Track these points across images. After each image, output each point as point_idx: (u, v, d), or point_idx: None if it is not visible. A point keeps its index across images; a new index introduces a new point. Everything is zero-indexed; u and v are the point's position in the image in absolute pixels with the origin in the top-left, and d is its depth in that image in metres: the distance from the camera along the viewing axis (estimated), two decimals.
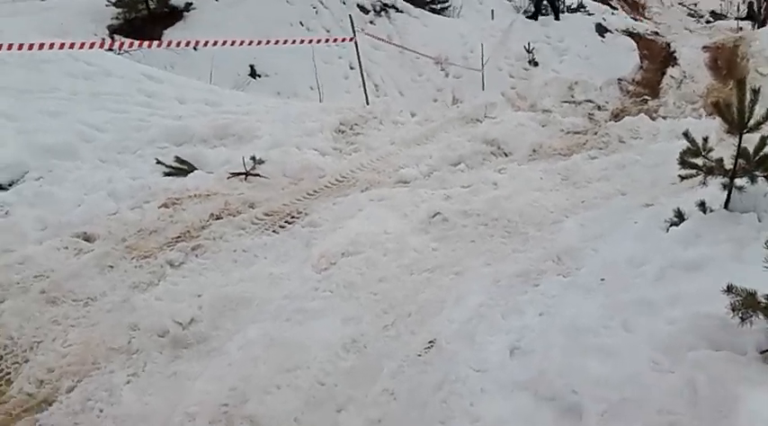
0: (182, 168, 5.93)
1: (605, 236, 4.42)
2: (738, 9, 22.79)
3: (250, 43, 8.98)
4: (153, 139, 6.31)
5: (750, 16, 21.53)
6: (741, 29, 19.01)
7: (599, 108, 12.50)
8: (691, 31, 20.56)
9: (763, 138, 3.76)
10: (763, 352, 2.71)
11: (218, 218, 5.02)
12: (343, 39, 10.81)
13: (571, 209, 5.14)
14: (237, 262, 4.45)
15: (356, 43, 9.85)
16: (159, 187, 5.55)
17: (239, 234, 4.79)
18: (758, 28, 18.35)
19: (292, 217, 5.12)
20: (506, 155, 6.98)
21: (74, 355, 3.50)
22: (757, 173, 3.77)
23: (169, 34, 11.76)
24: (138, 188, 5.50)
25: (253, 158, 5.97)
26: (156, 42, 8.89)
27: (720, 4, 25.32)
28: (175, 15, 12.44)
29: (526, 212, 5.01)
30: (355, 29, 9.95)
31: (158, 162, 5.96)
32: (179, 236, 4.74)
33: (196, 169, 5.94)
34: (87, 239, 4.66)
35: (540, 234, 4.68)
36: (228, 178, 5.83)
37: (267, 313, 3.81)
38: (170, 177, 5.80)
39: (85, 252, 4.44)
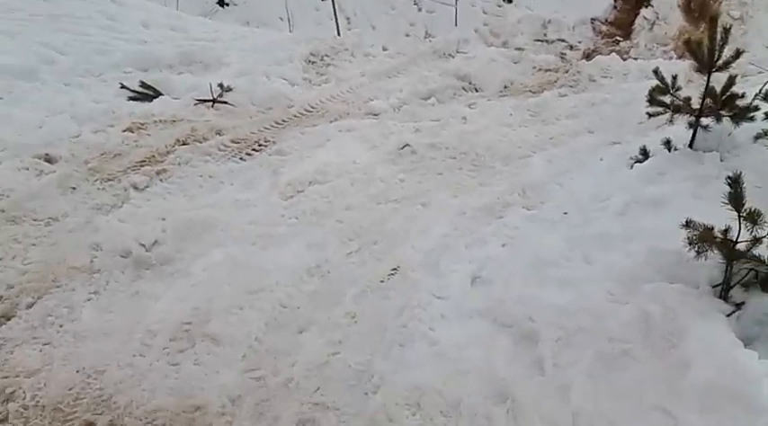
0: (147, 93, 5.80)
1: (571, 172, 4.47)
2: None
3: None
4: (117, 64, 6.14)
5: None
6: None
7: (571, 47, 12.46)
8: None
9: (730, 78, 3.79)
10: (715, 286, 2.79)
11: (183, 144, 4.95)
12: None
13: (539, 145, 5.16)
14: (203, 188, 4.42)
15: None
16: (123, 111, 5.43)
17: (205, 160, 4.74)
18: None
19: (260, 145, 5.07)
20: (477, 91, 6.94)
21: (34, 272, 3.48)
22: (723, 112, 3.81)
23: None
24: (102, 112, 5.37)
25: (220, 85, 5.86)
26: None
27: None
28: None
29: (494, 147, 5.03)
30: None
31: (122, 86, 5.82)
32: (143, 161, 4.68)
33: (162, 94, 5.81)
34: (49, 160, 4.57)
35: (507, 168, 4.71)
36: (195, 104, 5.72)
37: (232, 237, 3.82)
38: (135, 102, 5.67)
39: (47, 174, 4.37)
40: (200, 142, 4.98)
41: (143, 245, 3.68)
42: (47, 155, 4.62)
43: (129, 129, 5.12)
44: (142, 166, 4.58)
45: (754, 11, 12.33)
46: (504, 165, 4.74)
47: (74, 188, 4.27)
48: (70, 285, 3.42)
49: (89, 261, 3.58)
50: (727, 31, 3.81)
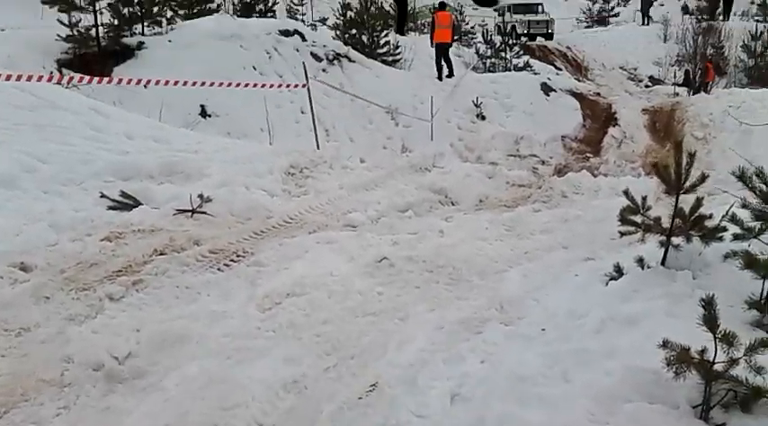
0: (126, 203, 5.85)
1: (547, 288, 4.52)
2: (675, 76, 23.95)
3: (202, 84, 9.01)
4: (98, 173, 6.21)
5: (686, 83, 22.66)
6: (678, 94, 19.95)
7: (543, 163, 12.87)
8: (631, 93, 21.49)
9: (698, 199, 3.94)
10: (695, 407, 2.78)
11: (161, 254, 4.94)
12: (296, 86, 10.92)
13: (515, 260, 5.24)
14: (179, 299, 4.37)
15: (308, 89, 9.97)
16: (102, 220, 5.45)
17: (183, 270, 4.72)
18: (693, 94, 19.28)
19: (238, 256, 5.08)
20: (453, 205, 7.12)
21: (2, 386, 3.36)
22: (692, 232, 3.93)
23: (120, 71, 11.66)
24: (81, 220, 5.39)
25: (200, 196, 5.93)
26: (106, 79, 8.82)
27: (658, 70, 26.62)
28: (127, 53, 12.37)
29: (471, 261, 5.10)
30: (308, 76, 10.08)
31: (103, 195, 5.86)
32: (120, 270, 4.64)
33: (142, 204, 5.86)
34: (24, 269, 4.51)
35: (484, 282, 4.75)
36: (174, 214, 5.77)
37: (207, 350, 3.75)
38: (114, 211, 5.70)
39: (21, 283, 4.30)
40: (178, 252, 4.98)
41: (116, 358, 3.59)
42: (22, 263, 4.57)
43: (107, 239, 5.11)
44: (118, 276, 4.54)
45: (717, 132, 12.91)
46: (480, 280, 4.79)
47: (48, 297, 4.20)
48: (39, 399, 3.30)
49: (60, 373, 3.48)
50: (692, 155, 4.00)
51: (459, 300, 4.45)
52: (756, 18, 33.56)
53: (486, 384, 3.26)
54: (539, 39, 28.92)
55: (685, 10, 40.49)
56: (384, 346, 3.80)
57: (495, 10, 37.57)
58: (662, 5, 44.64)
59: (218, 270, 4.82)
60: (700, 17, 32.98)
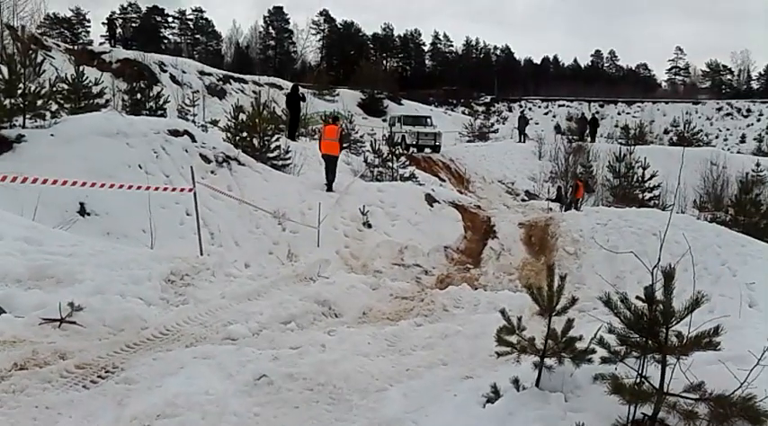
0: None
1: (426, 408, 4.52)
2: (549, 191, 25.46)
3: (83, 184, 8.72)
4: None
5: (558, 198, 24.12)
6: (551, 209, 21.14)
7: (426, 272, 13.10)
8: (508, 207, 22.59)
9: (569, 321, 4.14)
10: None
11: (22, 369, 4.59)
12: (182, 190, 10.77)
13: (396, 378, 5.23)
14: (37, 420, 4.04)
15: (195, 194, 9.85)
16: None
17: (44, 388, 4.39)
18: (565, 210, 20.50)
19: (107, 372, 4.79)
20: (337, 316, 7.09)
21: None
22: (564, 354, 4.10)
23: None
24: None
25: (70, 304, 5.62)
26: None
27: (533, 185, 28.27)
28: (4, 145, 11.79)
29: (352, 378, 5.03)
30: (195, 179, 9.99)
31: None
32: None
33: (5, 312, 5.49)
34: None
35: (365, 402, 4.69)
36: (40, 324, 5.42)
37: None
38: None
39: None
40: (41, 367, 4.64)
41: None
42: None
43: None
44: None
45: (586, 248, 13.64)
46: (361, 399, 4.72)
47: None
48: None
49: None
50: (563, 278, 4.23)
51: (338, 422, 4.36)
52: (620, 141, 36.63)
53: None
54: (426, 150, 30.03)
55: (558, 130, 43.72)
56: None
57: (383, 120, 39.23)
58: (537, 124, 48.01)
59: (84, 387, 4.52)
60: (570, 137, 35.64)
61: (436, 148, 30.41)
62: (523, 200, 26.02)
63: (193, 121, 22.41)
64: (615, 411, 3.59)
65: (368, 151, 23.13)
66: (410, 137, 29.60)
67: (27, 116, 12.77)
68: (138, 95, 23.24)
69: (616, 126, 46.30)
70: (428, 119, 33.38)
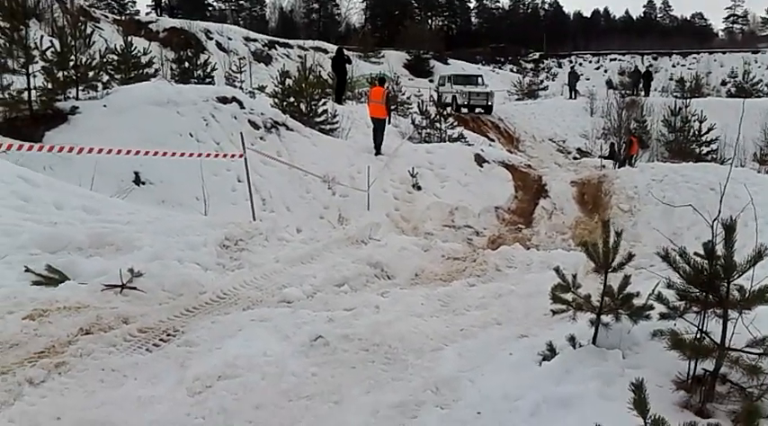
0: (52, 277, 5.64)
1: (482, 367, 4.52)
2: (601, 148, 24.93)
3: (136, 153, 8.89)
4: (24, 245, 5.99)
5: (611, 155, 23.59)
6: (604, 166, 20.73)
7: (477, 233, 13.06)
8: (560, 165, 22.22)
9: (625, 278, 4.07)
10: None
11: (87, 333, 4.74)
12: (233, 156, 10.89)
13: (450, 337, 5.24)
14: (104, 383, 4.19)
15: (245, 159, 9.95)
16: (26, 297, 5.22)
17: (109, 351, 4.54)
18: (619, 167, 20.08)
19: (168, 335, 4.93)
20: (389, 278, 7.12)
21: None
22: (621, 310, 4.04)
23: (52, 137, 11.37)
24: (2, 297, 5.14)
25: (130, 270, 5.76)
26: (36, 145, 8.61)
27: (585, 143, 27.70)
28: (59, 117, 12.07)
29: (407, 338, 5.07)
30: (245, 146, 10.08)
31: (27, 270, 5.64)
32: (42, 352, 4.43)
33: (68, 279, 5.66)
34: None
35: (420, 361, 4.72)
36: (103, 290, 5.58)
37: None
38: (39, 286, 5.48)
39: None
40: (105, 331, 4.79)
41: None
42: None
43: (30, 317, 4.89)
44: (40, 358, 4.32)
45: (642, 204, 13.40)
46: (416, 359, 4.75)
47: None
48: None
49: None
50: (619, 234, 4.14)
51: (394, 381, 4.40)
52: (675, 94, 35.55)
53: None
54: (477, 111, 29.58)
55: (609, 85, 42.62)
56: None
57: (430, 81, 38.65)
58: (588, 80, 46.87)
59: (147, 350, 4.66)
60: (623, 92, 34.72)
61: (488, 109, 29.65)
62: (575, 158, 25.56)
63: (241, 88, 22.55)
64: (675, 367, 3.54)
65: (415, 113, 22.96)
66: (461, 98, 28.76)
67: (80, 88, 13.04)
68: (186, 64, 23.44)
69: (671, 79, 44.98)
70: (479, 78, 31.91)
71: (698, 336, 3.50)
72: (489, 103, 29.63)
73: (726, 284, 3.38)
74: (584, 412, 3.30)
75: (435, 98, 24.84)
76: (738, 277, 3.39)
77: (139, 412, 3.86)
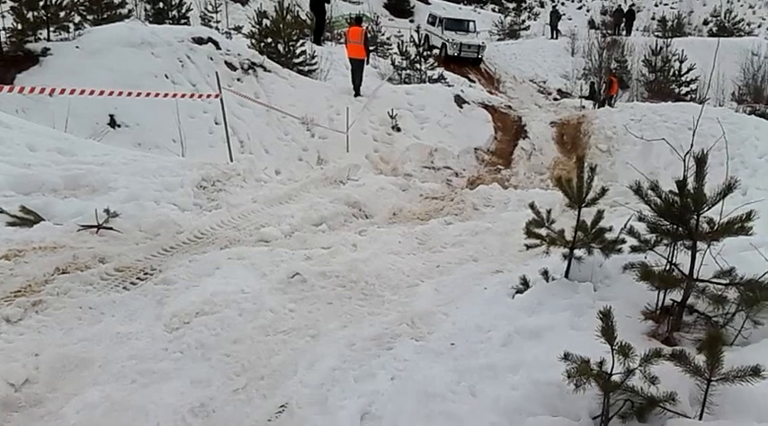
0: (27, 218, 5.59)
1: (457, 301, 4.60)
2: (581, 89, 24.83)
3: (111, 94, 8.73)
4: None
5: (591, 95, 23.53)
6: (584, 107, 20.68)
7: (456, 174, 13.06)
8: (540, 106, 22.10)
9: (598, 213, 4.11)
10: (594, 418, 2.89)
11: (64, 273, 4.74)
12: (209, 96, 10.73)
13: (426, 274, 5.31)
14: (82, 320, 4.21)
15: (222, 100, 9.82)
16: (0, 237, 5.19)
17: (86, 289, 4.55)
18: (598, 107, 20.06)
19: (145, 274, 4.94)
20: (367, 218, 7.15)
21: None
22: (593, 244, 4.10)
23: (23, 79, 11.09)
24: None
25: (106, 211, 5.73)
26: (6, 87, 8.41)
27: (566, 83, 27.54)
28: (31, 59, 11.77)
29: (383, 275, 5.13)
30: (221, 86, 9.93)
31: (1, 211, 5.59)
32: (19, 291, 4.43)
33: (43, 220, 5.62)
34: None
35: (396, 297, 4.79)
36: (78, 230, 5.56)
37: (111, 374, 3.63)
38: (13, 227, 5.44)
39: None
40: (82, 270, 4.79)
41: (12, 385, 3.43)
42: None
43: (6, 257, 4.87)
44: (17, 297, 4.33)
45: (620, 144, 13.45)
46: (392, 294, 4.83)
47: None
48: None
49: None
50: (593, 169, 4.17)
51: (371, 316, 4.47)
52: (656, 34, 35.30)
53: (396, 401, 3.29)
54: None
55: (591, 24, 42.19)
56: (295, 365, 3.78)
57: (411, 21, 37.68)
58: (570, 19, 46.35)
59: (124, 289, 4.67)
60: (605, 32, 34.41)
61: (477, 62, 27.49)
62: (555, 99, 25.40)
63: (217, 29, 22.03)
64: (644, 298, 3.61)
65: (395, 53, 22.65)
66: (451, 48, 26.57)
67: (51, 29, 12.70)
68: (161, 4, 22.82)
69: (653, 18, 44.56)
70: (471, 24, 28.69)
71: (667, 268, 3.56)
72: (480, 56, 27.46)
73: (696, 217, 3.42)
74: (555, 342, 3.37)
75: (422, 38, 24.13)
76: (708, 210, 3.43)
77: (117, 348, 3.90)
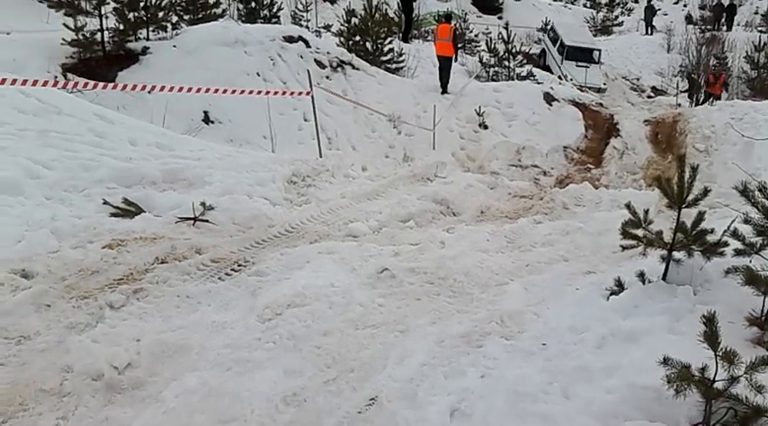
0: (129, 210, 5.85)
1: (548, 301, 4.52)
2: (677, 86, 23.87)
3: (206, 91, 9.00)
4: (101, 179, 6.21)
5: (690, 88, 22.48)
6: (680, 105, 19.90)
7: (545, 173, 12.83)
8: (633, 104, 21.40)
9: (700, 214, 3.94)
10: (694, 425, 2.78)
11: (163, 262, 4.94)
12: (300, 93, 10.92)
13: (516, 273, 5.24)
14: (180, 308, 4.37)
15: (312, 97, 9.97)
16: (104, 227, 5.46)
17: (184, 279, 4.73)
18: (696, 105, 19.27)
19: (239, 266, 5.08)
20: (455, 215, 7.12)
21: (0, 395, 3.36)
22: (694, 247, 3.93)
23: (124, 76, 11.64)
24: (83, 227, 5.39)
25: (202, 204, 5.94)
26: (110, 84, 8.82)
27: (661, 81, 26.58)
28: (131, 58, 12.33)
29: (472, 272, 5.09)
30: (312, 83, 10.09)
31: (105, 202, 5.87)
32: (121, 278, 4.65)
33: (144, 212, 5.87)
34: (25, 276, 4.51)
35: (485, 295, 4.75)
36: (176, 222, 5.78)
37: (207, 361, 3.75)
38: (116, 218, 5.71)
39: (22, 290, 4.30)
40: (180, 261, 4.98)
41: (116, 368, 3.59)
42: (23, 270, 4.58)
43: (109, 246, 5.11)
44: (120, 284, 4.54)
45: (718, 144, 12.88)
46: (481, 292, 4.78)
47: (48, 305, 4.20)
48: (38, 409, 3.31)
49: (59, 383, 3.48)
50: (694, 169, 4.00)
51: (459, 313, 4.45)
52: (760, 29, 33.60)
53: (486, 399, 3.26)
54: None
55: (689, 20, 40.55)
56: (384, 359, 3.80)
57: (499, 17, 36.90)
58: (665, 15, 44.71)
59: (219, 279, 4.82)
60: (703, 27, 33.05)
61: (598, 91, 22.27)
62: (650, 97, 24.55)
63: (307, 27, 22.43)
64: (749, 303, 3.45)
65: (483, 50, 22.41)
66: (573, 79, 22.27)
67: (150, 29, 13.24)
68: (253, 3, 23.39)
69: (756, 12, 42.43)
70: (596, 54, 24.24)
71: None
72: (601, 90, 22.45)
73: None
74: (652, 346, 3.26)
75: (539, 53, 21.98)
76: None
77: (214, 336, 4.02)
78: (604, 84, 23.53)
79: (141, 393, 3.50)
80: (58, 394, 3.43)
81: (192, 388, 3.47)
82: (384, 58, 17.30)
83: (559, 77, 22.57)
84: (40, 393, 3.43)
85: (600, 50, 24.81)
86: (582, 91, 20.80)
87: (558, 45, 24.38)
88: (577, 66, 23.15)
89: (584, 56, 23.68)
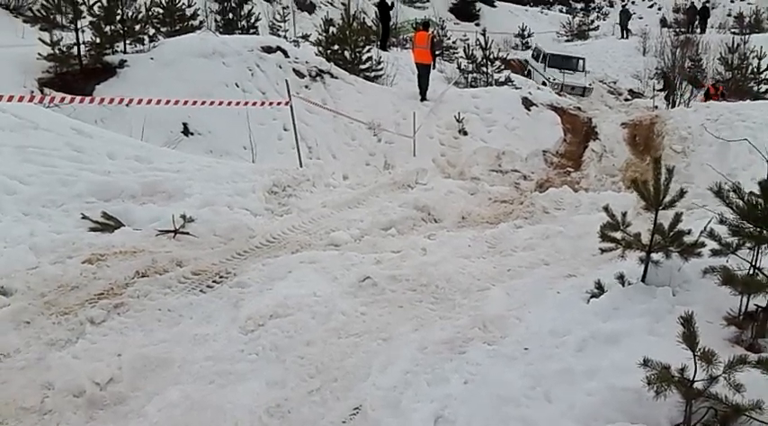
0: (108, 224, 5.81)
1: (529, 305, 4.54)
2: (654, 89, 24.11)
3: (185, 103, 8.99)
4: (80, 194, 6.17)
5: (665, 88, 22.70)
6: (657, 107, 20.10)
7: (525, 178, 12.89)
8: (610, 107, 21.60)
9: (677, 215, 3.99)
10: None
11: (143, 276, 4.91)
12: (279, 103, 10.92)
13: (497, 278, 5.27)
14: (161, 322, 4.35)
15: (291, 107, 9.98)
16: (84, 242, 5.41)
17: (165, 292, 4.70)
18: (671, 101, 19.48)
19: (220, 277, 5.07)
20: (436, 222, 7.14)
21: None
22: (672, 248, 3.97)
23: (101, 90, 11.58)
24: (62, 242, 5.35)
25: (183, 216, 5.91)
26: (87, 98, 8.78)
27: (637, 84, 26.86)
28: (109, 71, 12.28)
29: (454, 278, 5.11)
30: (291, 93, 10.10)
31: (84, 217, 5.83)
32: (102, 293, 4.61)
33: (123, 225, 5.83)
34: (4, 293, 4.47)
35: (467, 301, 4.76)
36: (156, 235, 5.75)
37: (189, 374, 3.74)
38: (95, 233, 5.67)
39: (1, 307, 4.26)
40: (161, 274, 4.96)
41: (97, 384, 3.57)
42: (2, 287, 4.53)
43: (89, 261, 5.07)
44: (100, 299, 4.51)
45: (695, 145, 13.03)
46: (463, 298, 4.80)
47: (28, 322, 4.16)
48: None
49: (40, 400, 3.45)
50: (670, 171, 4.04)
51: (442, 319, 4.46)
52: (733, 31, 34.09)
53: (470, 405, 3.27)
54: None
55: (663, 23, 41.08)
56: (368, 368, 3.80)
57: (477, 25, 37.22)
58: (640, 18, 45.25)
59: (201, 291, 4.80)
60: (678, 30, 33.46)
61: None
62: (627, 100, 24.79)
63: (285, 37, 22.43)
64: (726, 303, 3.49)
65: (461, 57, 22.53)
66: (555, 88, 22.88)
67: (127, 41, 13.20)
68: (230, 15, 23.40)
69: (729, 15, 43.05)
70: (580, 62, 25.17)
71: (751, 272, 3.44)
72: (585, 96, 23.54)
73: None
74: (632, 348, 3.28)
75: (525, 72, 22.21)
76: None
77: (196, 349, 4.01)
78: (590, 84, 24.54)
79: (124, 408, 3.48)
80: (39, 412, 3.40)
81: (174, 402, 3.45)
82: (363, 67, 17.34)
83: (543, 83, 23.39)
84: (20, 411, 3.40)
85: (583, 59, 25.67)
86: (570, 92, 22.44)
87: (541, 60, 25.36)
88: (561, 71, 24.09)
89: (565, 63, 24.70)
